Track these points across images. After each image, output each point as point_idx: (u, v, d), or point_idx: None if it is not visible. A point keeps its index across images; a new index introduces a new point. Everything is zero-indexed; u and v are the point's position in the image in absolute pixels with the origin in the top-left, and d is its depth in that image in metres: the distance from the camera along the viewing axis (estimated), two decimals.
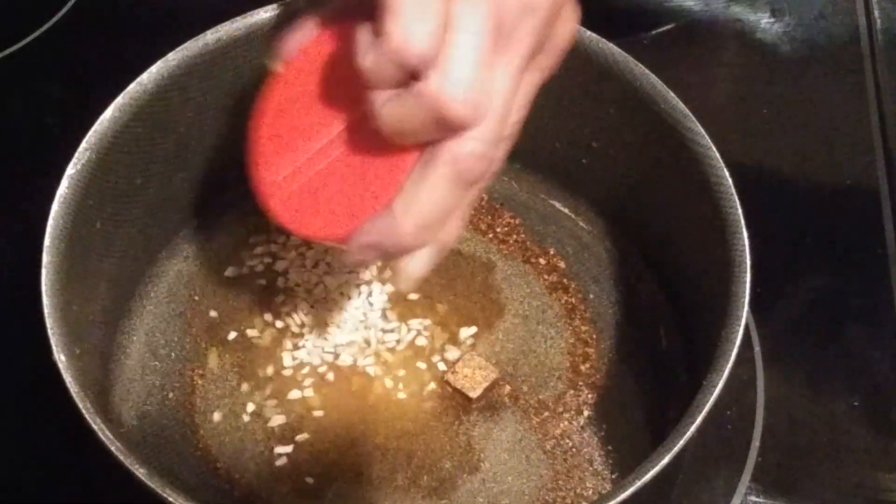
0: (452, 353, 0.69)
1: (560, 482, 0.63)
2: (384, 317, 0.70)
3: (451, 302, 0.71)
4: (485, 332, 0.70)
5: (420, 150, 0.48)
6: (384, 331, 0.70)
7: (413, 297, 0.71)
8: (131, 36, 0.88)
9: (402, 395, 0.67)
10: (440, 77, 0.44)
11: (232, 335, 0.69)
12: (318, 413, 0.66)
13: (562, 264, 0.74)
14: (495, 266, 0.74)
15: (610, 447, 0.64)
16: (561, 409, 0.66)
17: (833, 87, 0.87)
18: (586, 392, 0.67)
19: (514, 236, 0.75)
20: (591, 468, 0.64)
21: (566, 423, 0.66)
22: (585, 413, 0.66)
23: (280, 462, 0.64)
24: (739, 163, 0.81)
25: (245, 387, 0.67)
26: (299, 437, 0.65)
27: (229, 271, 0.73)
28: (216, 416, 0.66)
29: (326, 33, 0.53)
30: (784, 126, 0.85)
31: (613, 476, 0.63)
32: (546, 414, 0.66)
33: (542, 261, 0.74)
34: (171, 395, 0.67)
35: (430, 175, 0.47)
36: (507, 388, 0.67)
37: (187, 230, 0.74)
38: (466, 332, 0.70)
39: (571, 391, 0.67)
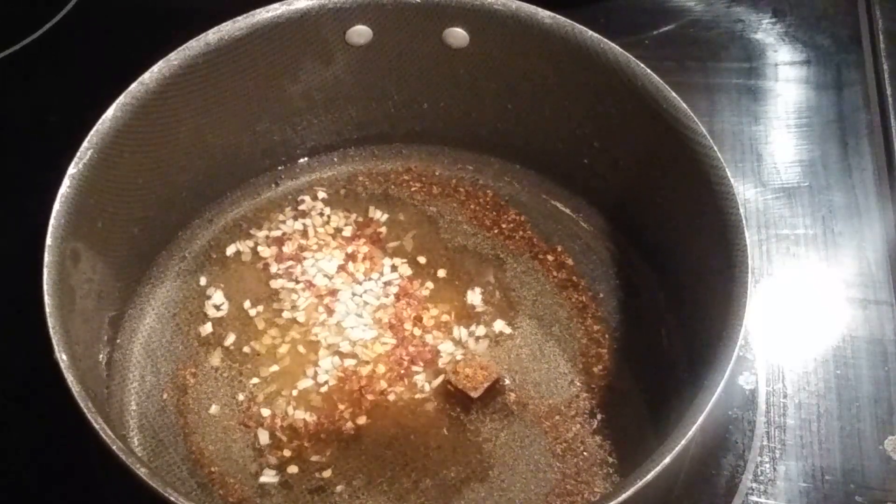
0: (457, 353, 0.69)
1: (569, 486, 0.63)
2: (386, 314, 0.70)
3: (460, 300, 0.72)
4: (496, 334, 0.70)
5: None
6: (386, 329, 0.70)
7: (423, 292, 0.71)
8: (133, 35, 0.88)
9: (403, 396, 0.67)
10: None
11: (231, 334, 0.69)
12: (316, 414, 0.66)
13: (570, 261, 0.74)
14: (504, 263, 0.74)
15: (618, 448, 0.64)
16: (573, 413, 0.66)
17: (835, 87, 0.87)
18: (599, 394, 0.67)
19: (521, 233, 0.75)
20: (601, 471, 0.63)
21: (578, 426, 0.65)
22: (598, 416, 0.66)
23: (274, 466, 0.64)
24: (741, 163, 0.82)
25: (242, 387, 0.67)
26: (296, 441, 0.65)
27: (229, 271, 0.73)
28: (213, 410, 0.66)
29: None
30: (785, 126, 0.85)
31: (622, 478, 0.63)
32: (557, 418, 0.66)
33: (549, 257, 0.74)
34: (165, 395, 0.67)
35: None
36: (513, 395, 0.67)
37: (187, 230, 0.74)
38: (473, 333, 0.70)
39: (585, 394, 0.67)
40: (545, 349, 0.69)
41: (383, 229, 0.75)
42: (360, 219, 0.76)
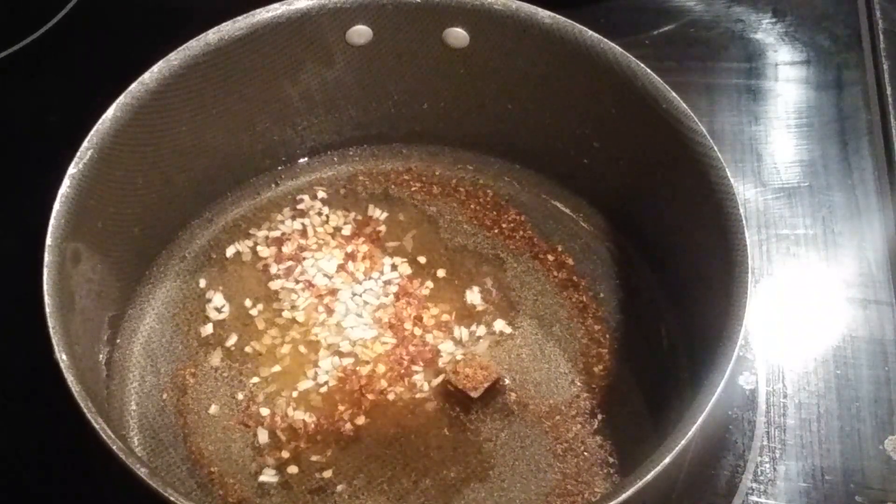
0: (457, 352, 0.69)
1: (569, 486, 0.63)
2: (386, 314, 0.70)
3: (460, 300, 0.71)
4: (496, 334, 0.70)
5: None
6: (386, 329, 0.70)
7: (423, 292, 0.71)
8: (133, 35, 0.88)
9: (403, 396, 0.67)
10: None
11: (231, 334, 0.69)
12: (316, 414, 0.66)
13: (570, 261, 0.74)
14: (505, 262, 0.74)
15: (619, 448, 0.64)
16: (574, 413, 0.66)
17: (835, 87, 0.87)
18: (600, 394, 0.67)
19: (521, 232, 0.75)
20: (601, 471, 0.63)
21: (579, 426, 0.65)
22: (599, 416, 0.66)
23: (274, 466, 0.63)
24: (741, 163, 0.82)
25: (242, 387, 0.67)
26: (296, 441, 0.65)
27: (229, 272, 0.73)
28: (212, 410, 0.66)
29: None
30: (785, 126, 0.85)
31: (623, 478, 0.63)
32: (558, 418, 0.66)
33: (550, 257, 0.74)
34: (164, 395, 0.67)
35: None
36: (514, 395, 0.67)
37: (187, 230, 0.74)
38: (474, 332, 0.70)
39: (585, 394, 0.67)
40: (546, 349, 0.69)
41: (382, 228, 0.75)
42: (360, 217, 0.76)
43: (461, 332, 0.70)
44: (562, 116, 0.73)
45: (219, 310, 0.71)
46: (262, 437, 0.65)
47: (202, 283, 0.72)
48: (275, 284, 0.72)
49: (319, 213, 0.76)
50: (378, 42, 0.72)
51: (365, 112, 0.77)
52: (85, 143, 0.61)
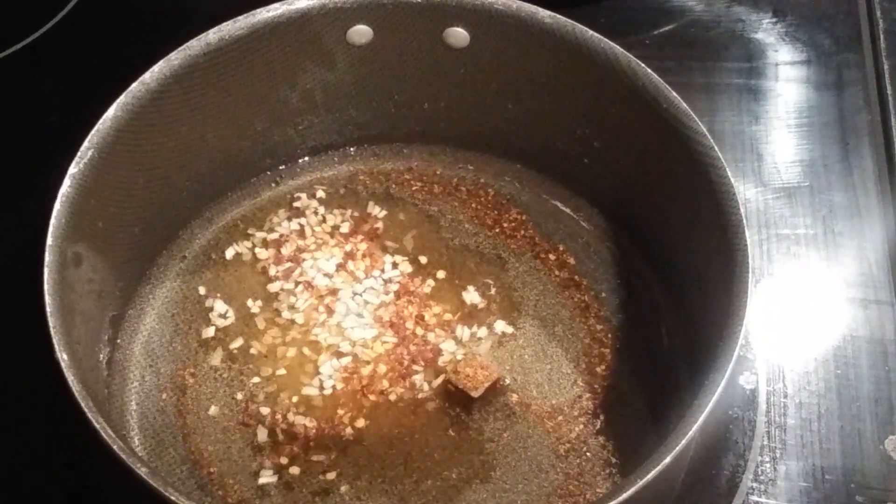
0: (458, 352, 0.69)
1: (571, 487, 0.63)
2: (387, 313, 0.70)
3: (461, 300, 0.71)
4: (498, 334, 0.70)
5: None
6: (387, 328, 0.70)
7: (424, 290, 0.71)
8: (134, 35, 0.88)
9: (404, 396, 0.67)
10: None
11: (231, 336, 0.69)
12: (318, 415, 0.66)
13: (571, 260, 0.74)
14: (506, 262, 0.74)
15: (621, 449, 0.64)
16: (576, 413, 0.66)
17: (835, 87, 0.87)
18: (602, 395, 0.67)
19: (522, 231, 0.75)
20: (603, 472, 0.63)
21: (581, 426, 0.65)
22: (601, 416, 0.66)
23: (273, 467, 0.63)
24: (741, 163, 0.82)
25: (242, 387, 0.67)
26: (297, 442, 0.64)
27: (229, 273, 0.73)
28: (212, 411, 0.66)
29: None
30: (786, 126, 0.85)
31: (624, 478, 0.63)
32: (560, 418, 0.66)
33: (551, 257, 0.74)
34: (164, 395, 0.66)
35: None
36: (516, 396, 0.67)
37: (187, 230, 0.74)
38: (475, 333, 0.70)
39: (588, 394, 0.67)
40: (548, 349, 0.69)
41: (380, 225, 0.75)
42: (357, 214, 0.76)
43: (463, 332, 0.70)
44: (562, 116, 0.73)
45: (223, 316, 0.70)
46: (262, 435, 0.65)
47: (202, 290, 0.72)
48: (274, 286, 0.72)
49: (316, 213, 0.76)
50: (378, 42, 0.72)
51: (365, 112, 0.77)
52: (85, 143, 0.61)
